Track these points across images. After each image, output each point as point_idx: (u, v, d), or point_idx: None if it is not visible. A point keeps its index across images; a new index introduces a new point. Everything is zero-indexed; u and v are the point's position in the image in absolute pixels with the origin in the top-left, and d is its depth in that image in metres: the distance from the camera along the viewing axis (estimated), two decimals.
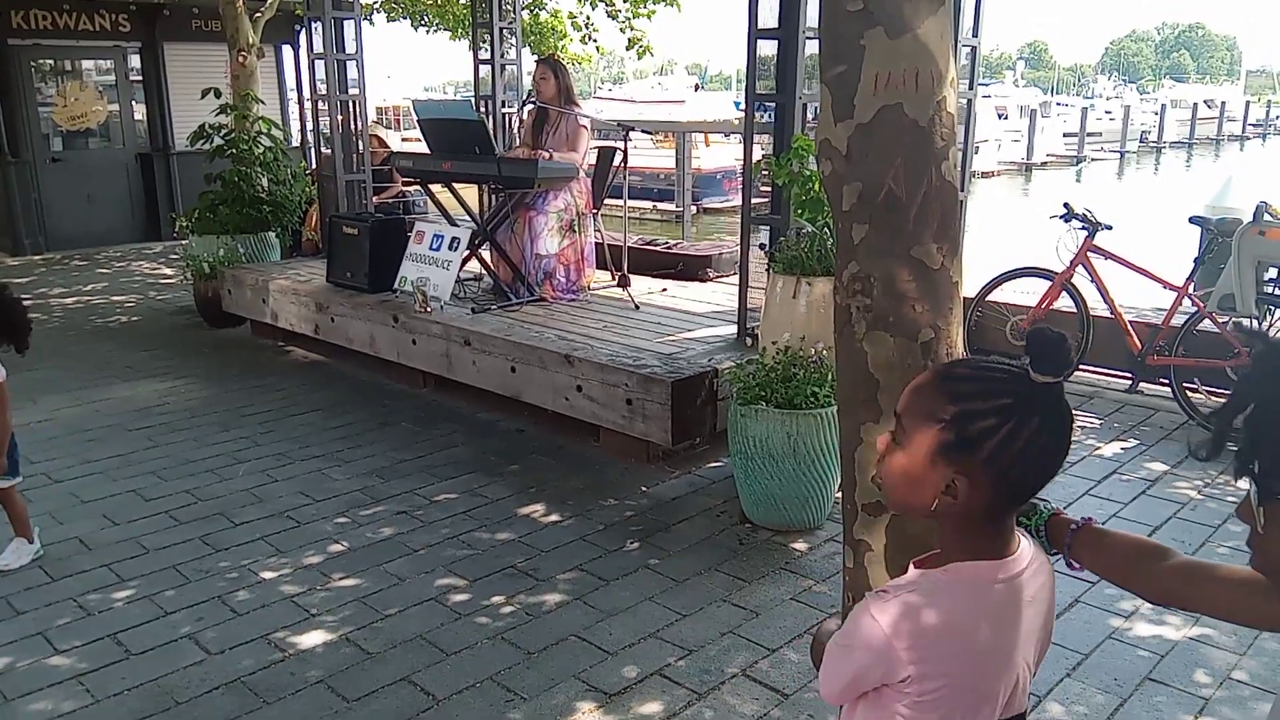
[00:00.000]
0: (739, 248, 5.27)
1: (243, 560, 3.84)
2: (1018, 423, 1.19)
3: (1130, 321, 5.46)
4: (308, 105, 8.76)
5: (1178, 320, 5.28)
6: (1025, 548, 1.31)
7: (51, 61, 11.18)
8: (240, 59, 9.63)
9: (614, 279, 6.27)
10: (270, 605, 3.50)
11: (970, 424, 1.20)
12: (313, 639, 3.28)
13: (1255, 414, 1.06)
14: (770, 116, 4.89)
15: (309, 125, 9.05)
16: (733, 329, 5.27)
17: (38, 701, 2.95)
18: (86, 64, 11.48)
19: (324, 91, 7.29)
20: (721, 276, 6.85)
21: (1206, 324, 5.13)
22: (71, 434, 5.28)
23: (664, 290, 6.45)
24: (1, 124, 10.63)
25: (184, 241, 8.69)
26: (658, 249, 7.44)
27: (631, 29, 11.99)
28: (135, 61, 11.54)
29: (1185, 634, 3.24)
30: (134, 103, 11.65)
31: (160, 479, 4.66)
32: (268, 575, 3.72)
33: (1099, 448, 4.85)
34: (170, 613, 3.45)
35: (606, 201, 6.65)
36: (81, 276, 9.86)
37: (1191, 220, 5.64)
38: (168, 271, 10.04)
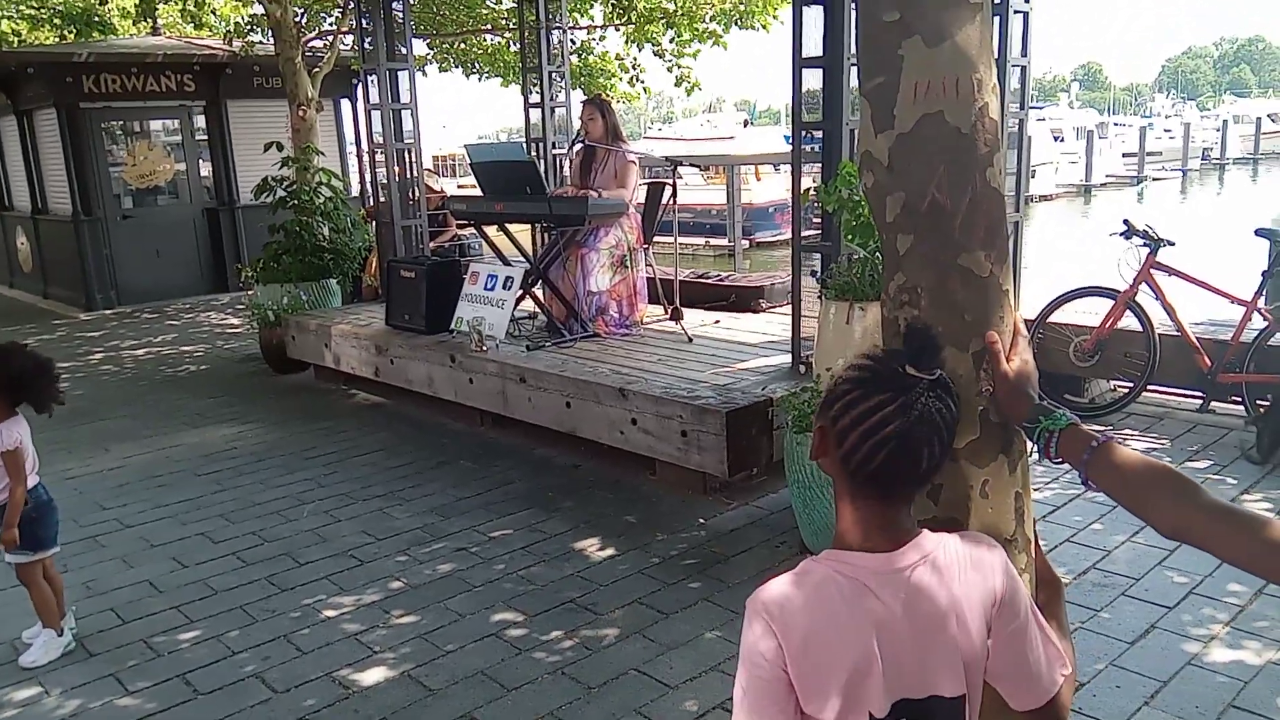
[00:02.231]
0: (791, 276, 5.25)
1: (307, 599, 3.88)
2: (863, 393, 1.30)
3: (1198, 338, 5.31)
4: (366, 156, 8.98)
5: (1248, 336, 5.12)
6: (912, 549, 1.32)
7: (121, 123, 11.64)
8: (300, 113, 9.93)
9: (667, 313, 6.28)
10: (334, 643, 3.53)
11: (837, 385, 1.35)
12: (375, 675, 3.30)
13: None
14: (819, 146, 4.89)
15: (368, 175, 9.29)
16: (787, 358, 5.24)
17: None
18: (154, 124, 11.93)
19: (380, 141, 7.47)
20: (774, 307, 6.83)
21: (1278, 338, 4.97)
22: (142, 480, 5.42)
23: (717, 322, 6.45)
24: (75, 184, 11.07)
25: (250, 291, 8.92)
26: (710, 281, 7.46)
27: (679, 67, 12.11)
28: (200, 120, 11.96)
29: (1267, 659, 3.10)
30: (200, 160, 12.06)
31: (228, 521, 4.75)
32: (331, 614, 3.76)
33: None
34: (237, 652, 3.50)
35: (658, 237, 6.69)
36: (151, 329, 10.17)
37: (1258, 233, 5.49)
38: (234, 321, 10.32)
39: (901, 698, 1.28)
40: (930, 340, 1.31)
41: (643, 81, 12.92)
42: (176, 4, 11.33)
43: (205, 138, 12.00)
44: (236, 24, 11.71)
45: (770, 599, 1.28)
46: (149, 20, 13.17)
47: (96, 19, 13.24)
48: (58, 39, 13.81)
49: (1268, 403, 4.88)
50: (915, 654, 1.28)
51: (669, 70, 12.22)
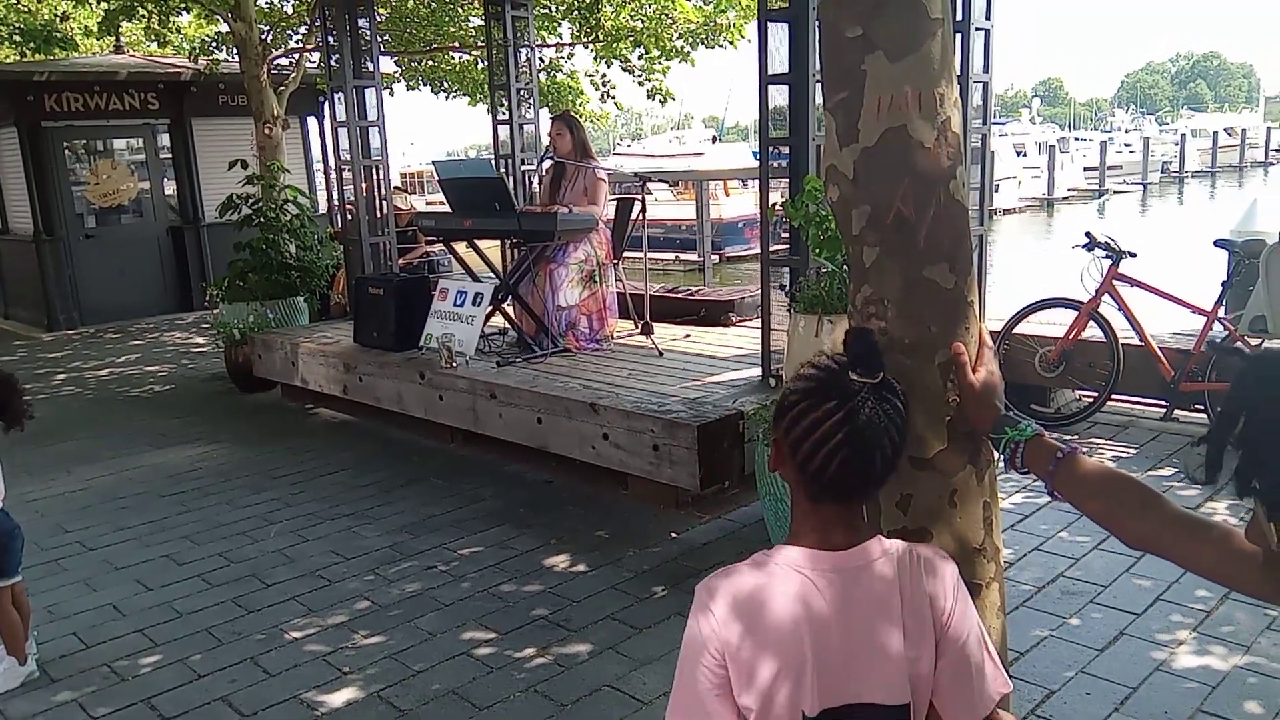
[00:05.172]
0: (760, 290, 5.27)
1: (274, 621, 3.83)
2: (812, 403, 1.32)
3: (1160, 348, 5.38)
4: (333, 173, 8.93)
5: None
6: (863, 551, 1.35)
7: (84, 141, 11.49)
8: (266, 131, 9.86)
9: (637, 327, 6.29)
10: (301, 665, 3.48)
11: (786, 397, 1.38)
12: (344, 697, 3.26)
13: (1248, 428, 1.02)
14: (786, 161, 4.92)
15: (334, 192, 9.24)
16: (757, 371, 5.25)
17: None
18: (118, 143, 11.79)
19: (348, 158, 7.44)
20: (744, 320, 6.85)
21: (1238, 348, 5.05)
22: (105, 502, 5.33)
23: (687, 336, 6.46)
24: (36, 204, 10.92)
25: (215, 310, 8.82)
26: (680, 296, 7.47)
27: (649, 80, 12.16)
28: (165, 139, 11.84)
29: (1233, 663, 3.14)
30: (165, 178, 11.93)
31: (193, 543, 4.68)
32: (298, 635, 3.71)
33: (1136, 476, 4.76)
34: (203, 676, 3.45)
35: (628, 252, 6.70)
36: (115, 349, 10.03)
37: (1217, 244, 5.58)
38: (200, 340, 10.19)
39: (834, 703, 1.30)
40: (871, 344, 1.34)
41: (614, 97, 12.95)
42: (140, 21, 11.20)
43: (170, 156, 11.88)
44: (201, 42, 11.61)
45: (720, 585, 1.34)
46: (112, 36, 13.03)
47: (58, 36, 13.07)
48: (18, 56, 13.64)
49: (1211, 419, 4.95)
50: (847, 657, 1.30)
51: (639, 85, 12.27)
